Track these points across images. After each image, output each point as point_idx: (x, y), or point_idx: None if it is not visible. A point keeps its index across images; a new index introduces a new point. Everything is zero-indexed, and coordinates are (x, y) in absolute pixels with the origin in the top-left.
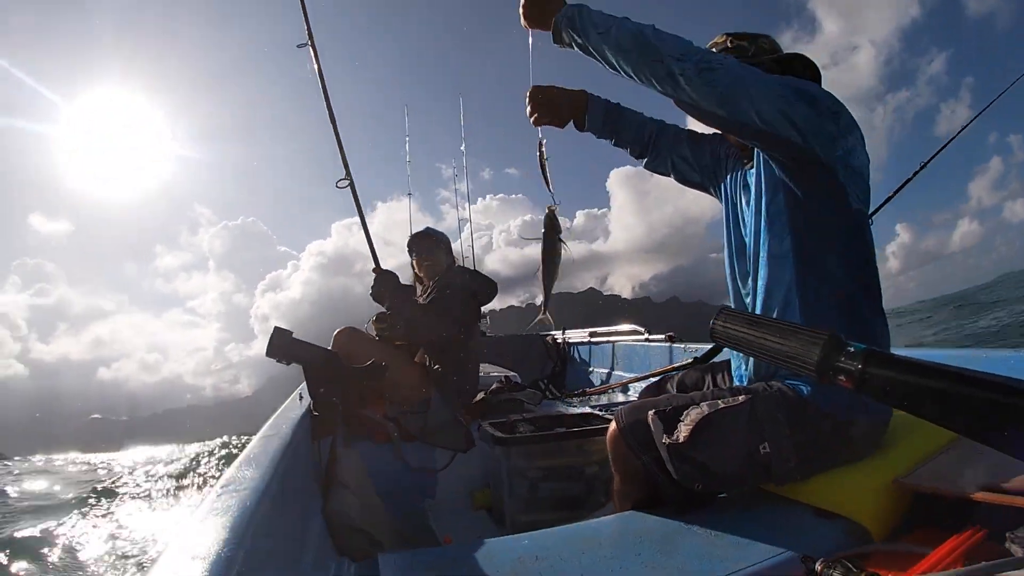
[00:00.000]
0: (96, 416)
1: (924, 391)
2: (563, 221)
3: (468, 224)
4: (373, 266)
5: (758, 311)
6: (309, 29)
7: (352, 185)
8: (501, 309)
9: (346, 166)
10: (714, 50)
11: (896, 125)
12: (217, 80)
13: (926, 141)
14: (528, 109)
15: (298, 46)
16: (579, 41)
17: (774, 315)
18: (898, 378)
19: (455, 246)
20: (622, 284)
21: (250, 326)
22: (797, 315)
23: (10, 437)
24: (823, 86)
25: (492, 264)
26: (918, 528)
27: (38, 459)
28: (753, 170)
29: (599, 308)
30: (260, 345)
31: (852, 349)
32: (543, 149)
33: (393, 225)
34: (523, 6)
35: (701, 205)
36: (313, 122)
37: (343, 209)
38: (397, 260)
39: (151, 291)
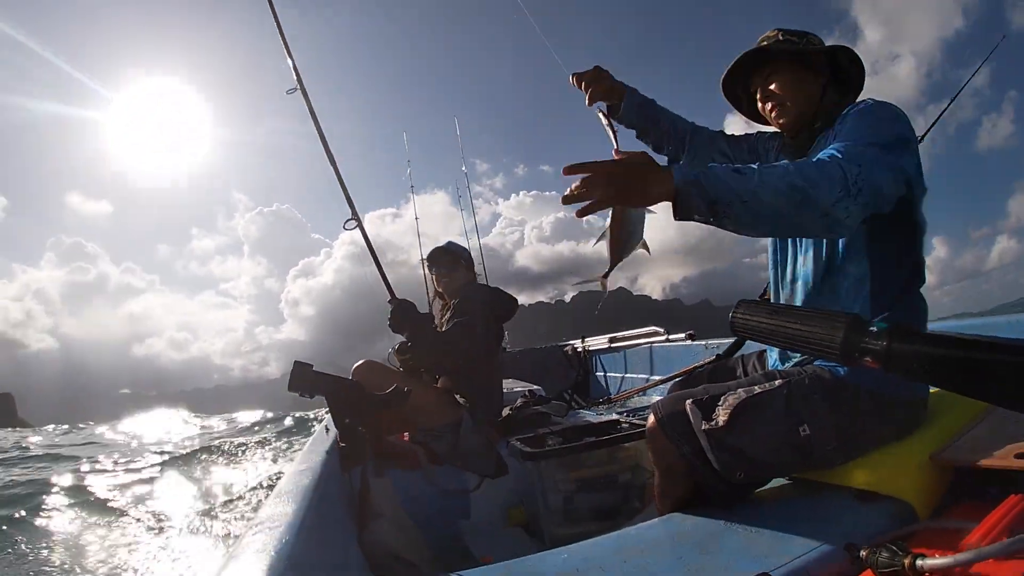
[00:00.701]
0: (125, 391)
1: (953, 363)
2: (596, 220)
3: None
4: (389, 298)
5: (801, 285)
6: (297, 73)
7: (360, 225)
8: (530, 304)
9: (351, 206)
10: (765, 43)
11: (938, 137)
12: (255, 62)
13: (966, 154)
14: (581, 87)
15: (288, 92)
16: (712, 218)
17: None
18: (925, 352)
19: (482, 240)
20: (652, 285)
21: (280, 310)
22: (847, 292)
23: (41, 409)
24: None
25: (523, 260)
26: (961, 503)
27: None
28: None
29: (628, 308)
30: (290, 328)
31: (875, 328)
32: (604, 112)
33: (426, 217)
34: (616, 194)
35: None
36: (345, 109)
37: (377, 201)
38: (427, 250)
39: (185, 272)
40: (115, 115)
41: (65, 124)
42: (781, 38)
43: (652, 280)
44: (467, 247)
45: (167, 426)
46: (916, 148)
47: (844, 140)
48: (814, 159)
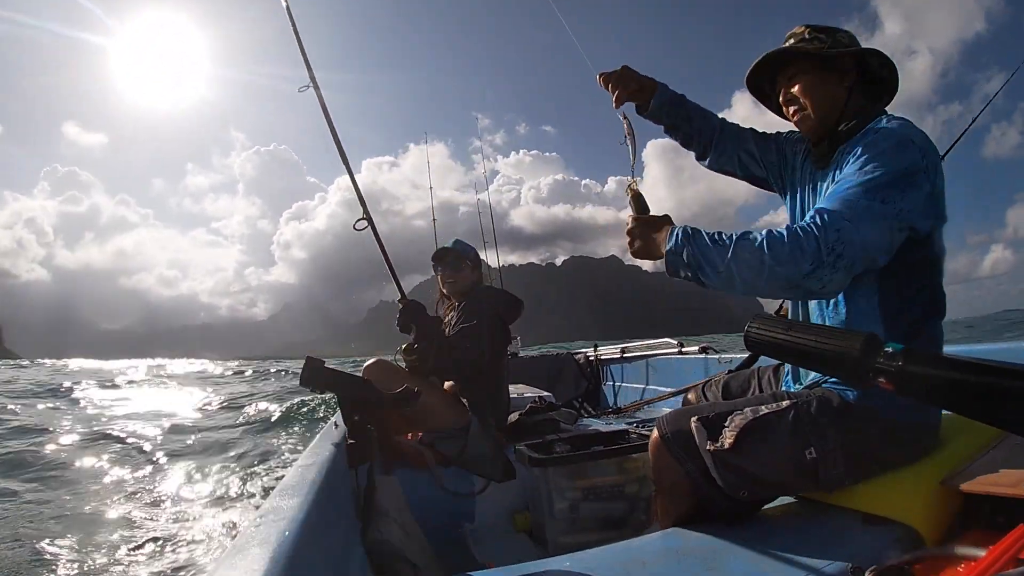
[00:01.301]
0: (113, 326)
1: (967, 388)
2: (594, 186)
3: (490, 221)
4: (399, 297)
5: (813, 317)
6: (310, 70)
7: (372, 225)
8: (521, 265)
9: (364, 206)
10: (791, 42)
11: (944, 138)
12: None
13: (973, 158)
14: (609, 88)
15: (300, 89)
16: (696, 280)
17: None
18: (939, 376)
19: (483, 198)
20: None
21: (271, 252)
22: (856, 325)
23: (29, 341)
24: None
25: (518, 220)
26: (968, 530)
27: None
28: (826, 175)
29: (617, 277)
30: (280, 271)
31: (890, 349)
32: (628, 120)
33: (424, 168)
34: (632, 243)
35: (736, 188)
36: (349, 54)
37: (374, 147)
38: (424, 204)
39: (179, 208)
40: (116, 43)
41: (65, 47)
42: (808, 36)
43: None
44: (473, 246)
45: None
46: (929, 177)
47: (839, 187)
48: (793, 228)
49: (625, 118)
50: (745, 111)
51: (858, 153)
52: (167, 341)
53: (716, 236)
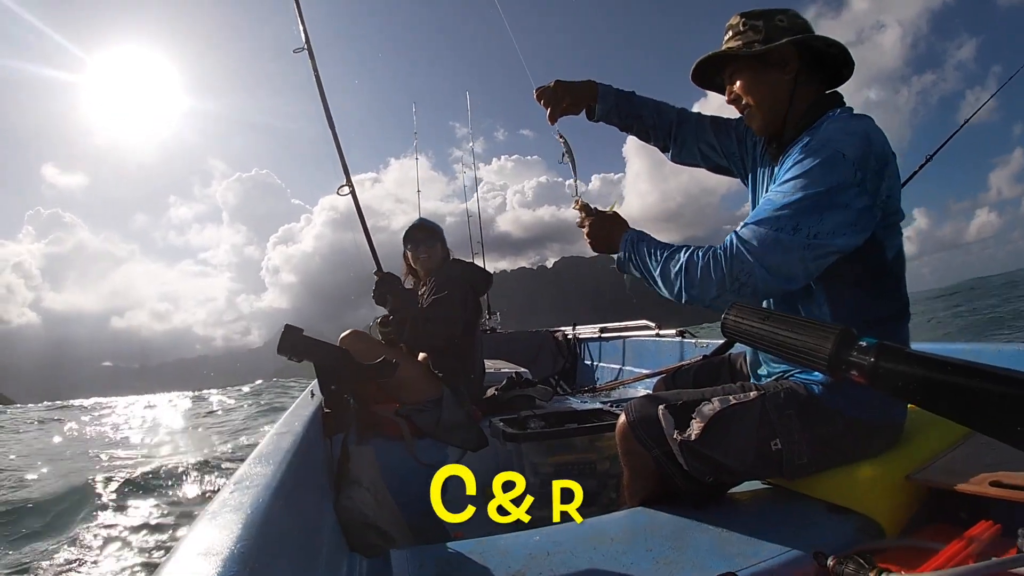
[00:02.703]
0: (108, 364)
1: (937, 386)
2: (580, 185)
3: (476, 211)
4: (375, 269)
5: (773, 305)
6: (306, 33)
7: (353, 192)
8: (512, 270)
9: (347, 173)
10: (728, 35)
11: (920, 108)
12: (229, 31)
13: (949, 125)
14: (542, 105)
15: (295, 51)
16: (644, 279)
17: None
18: (911, 372)
19: (469, 207)
20: None
21: (261, 278)
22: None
23: (23, 385)
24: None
25: (504, 225)
26: (932, 524)
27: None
28: (775, 174)
29: (609, 274)
30: (271, 296)
31: (864, 343)
32: (564, 139)
33: (406, 182)
34: (590, 243)
35: (718, 177)
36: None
37: (359, 166)
38: (409, 217)
39: (164, 242)
40: (87, 79)
41: (38, 86)
42: (743, 27)
43: None
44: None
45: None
46: (864, 189)
47: (761, 205)
48: (708, 253)
49: (561, 137)
50: (721, 100)
51: (785, 167)
52: (162, 375)
53: (654, 249)
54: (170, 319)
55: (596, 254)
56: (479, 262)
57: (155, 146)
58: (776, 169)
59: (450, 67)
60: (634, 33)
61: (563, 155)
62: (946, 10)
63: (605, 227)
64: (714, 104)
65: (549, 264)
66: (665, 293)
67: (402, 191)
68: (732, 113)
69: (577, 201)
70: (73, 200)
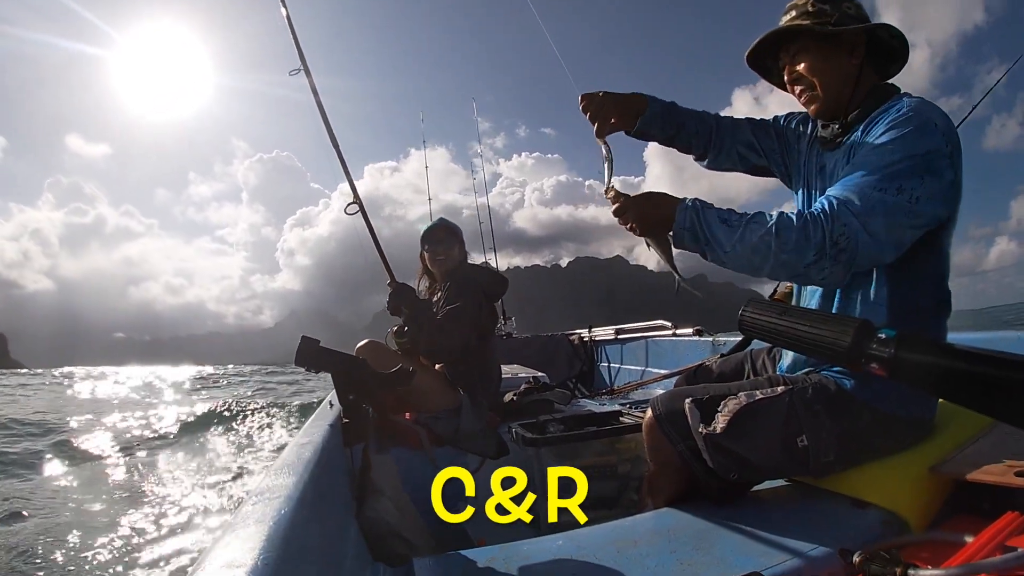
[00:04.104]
0: (119, 335)
1: (960, 376)
2: (597, 186)
3: (488, 224)
4: (388, 280)
5: (815, 304)
6: (301, 54)
7: (363, 210)
8: (526, 267)
9: (354, 191)
10: (792, 14)
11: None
12: (260, 7)
13: (974, 153)
14: (588, 118)
15: (291, 73)
16: (703, 255)
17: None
18: (932, 363)
19: (483, 202)
20: (648, 255)
21: (275, 259)
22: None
23: (35, 351)
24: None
25: (521, 222)
26: (957, 516)
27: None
28: (834, 158)
29: (623, 277)
30: (285, 278)
31: (883, 335)
32: (608, 148)
33: (423, 173)
34: (636, 225)
35: (737, 186)
36: (356, 60)
37: (376, 153)
38: (425, 208)
39: (183, 217)
40: (116, 54)
41: (65, 59)
42: (811, 8)
43: (649, 251)
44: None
45: None
46: (951, 164)
47: (853, 172)
48: (803, 215)
49: (605, 143)
50: (746, 107)
51: (874, 135)
52: (173, 349)
53: (726, 215)
54: (184, 294)
55: (612, 255)
56: (490, 259)
57: (180, 123)
58: (835, 153)
59: (481, 62)
60: (656, 36)
61: (603, 161)
62: (978, 33)
63: (652, 200)
64: (739, 112)
65: (563, 263)
66: (741, 262)
67: (421, 181)
68: (761, 114)
69: (610, 190)
70: (96, 170)
